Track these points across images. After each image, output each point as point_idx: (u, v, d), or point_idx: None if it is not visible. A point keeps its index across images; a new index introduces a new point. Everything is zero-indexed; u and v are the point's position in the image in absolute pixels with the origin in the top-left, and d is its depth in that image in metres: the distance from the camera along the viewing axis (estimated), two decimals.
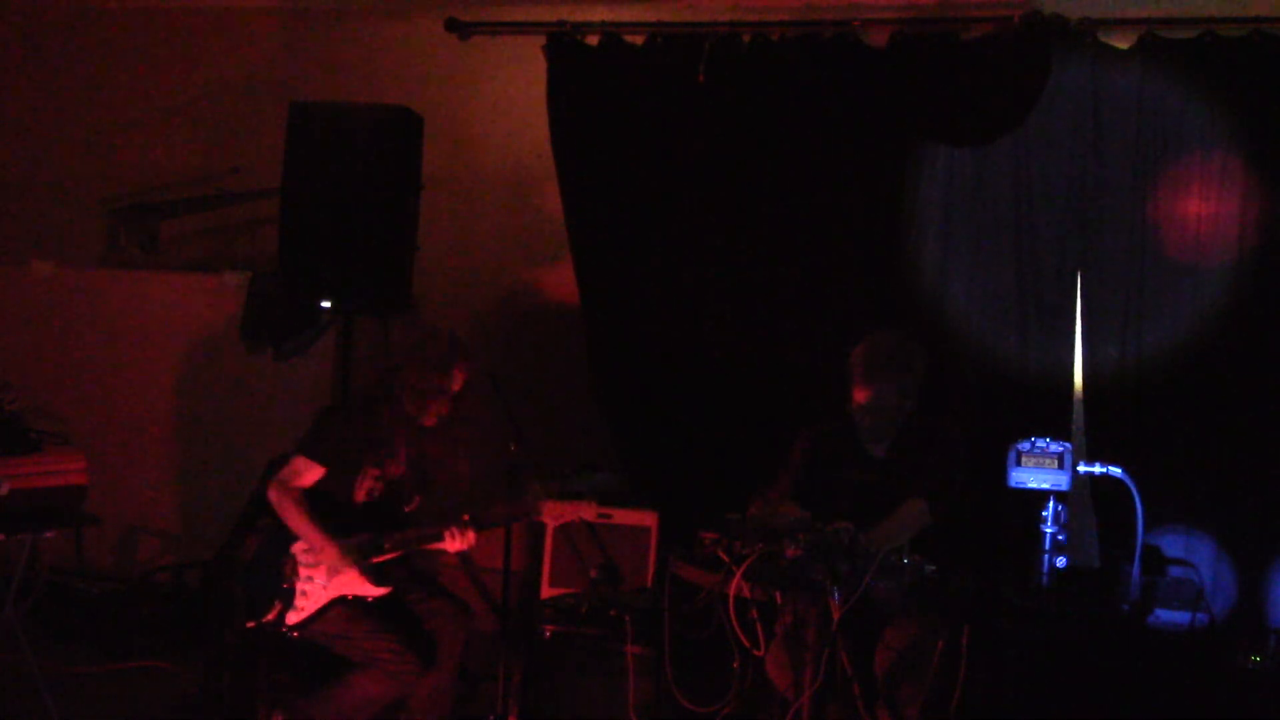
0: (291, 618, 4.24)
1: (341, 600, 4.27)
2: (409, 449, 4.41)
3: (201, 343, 6.19)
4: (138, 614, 5.75)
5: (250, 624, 4.28)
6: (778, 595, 3.96)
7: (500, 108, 6.17)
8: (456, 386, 4.42)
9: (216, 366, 6.16)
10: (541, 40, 5.77)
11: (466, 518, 4.30)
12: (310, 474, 4.30)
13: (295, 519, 4.26)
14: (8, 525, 4.40)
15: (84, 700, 4.96)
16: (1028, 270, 5.43)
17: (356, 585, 4.28)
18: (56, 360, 6.23)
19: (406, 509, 4.47)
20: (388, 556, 4.31)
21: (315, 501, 4.30)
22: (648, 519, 5.43)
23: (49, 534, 4.63)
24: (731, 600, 3.86)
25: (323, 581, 4.27)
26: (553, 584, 5.42)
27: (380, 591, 4.30)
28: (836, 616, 3.78)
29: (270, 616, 4.23)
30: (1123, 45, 5.28)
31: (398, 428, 4.37)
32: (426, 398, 4.37)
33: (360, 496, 4.40)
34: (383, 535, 4.31)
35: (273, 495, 4.29)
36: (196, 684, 5.00)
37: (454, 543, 4.29)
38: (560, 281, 5.99)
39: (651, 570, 5.31)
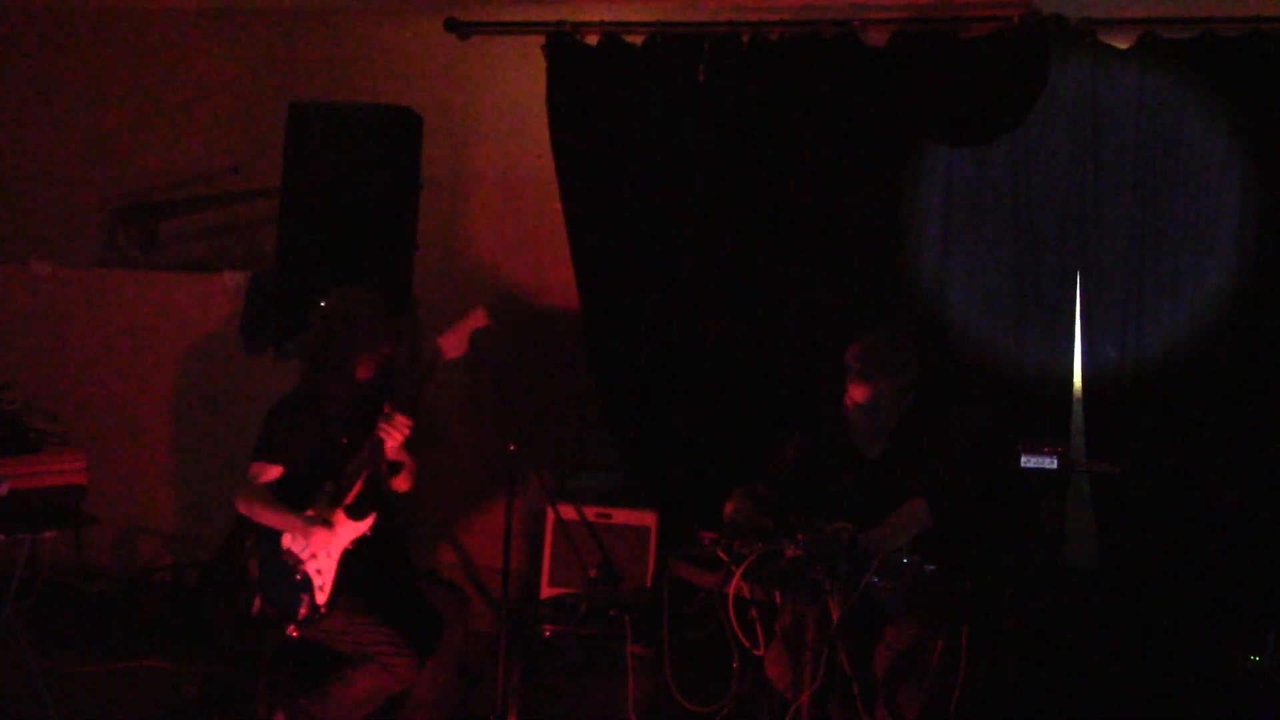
0: (320, 597, 4.23)
1: (348, 557, 4.25)
2: (355, 415, 4.41)
3: (201, 343, 6.19)
4: (138, 614, 5.75)
5: (295, 632, 4.25)
6: (777, 595, 3.96)
7: (500, 108, 6.17)
8: (386, 349, 4.40)
9: (216, 366, 6.16)
10: (541, 40, 5.77)
11: (388, 408, 4.23)
12: (269, 473, 4.31)
13: (265, 515, 4.27)
14: (8, 525, 4.40)
15: (84, 700, 4.96)
16: (1027, 270, 5.44)
17: (349, 531, 4.27)
18: (56, 360, 6.24)
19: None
20: (355, 490, 4.27)
21: (289, 488, 4.31)
22: (648, 519, 5.44)
23: (49, 534, 4.63)
24: (731, 600, 3.86)
25: (323, 548, 4.26)
26: (552, 584, 5.43)
27: (368, 522, 4.27)
28: (836, 616, 3.78)
29: (304, 611, 4.22)
30: (1122, 45, 5.28)
31: (341, 399, 4.37)
32: (359, 359, 4.36)
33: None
34: (338, 476, 4.29)
35: (241, 507, 4.31)
36: (196, 684, 5.00)
37: (393, 435, 4.22)
38: (560, 281, 5.99)
39: (651, 570, 5.32)
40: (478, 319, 4.26)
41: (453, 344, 4.24)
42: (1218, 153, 5.22)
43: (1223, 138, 5.20)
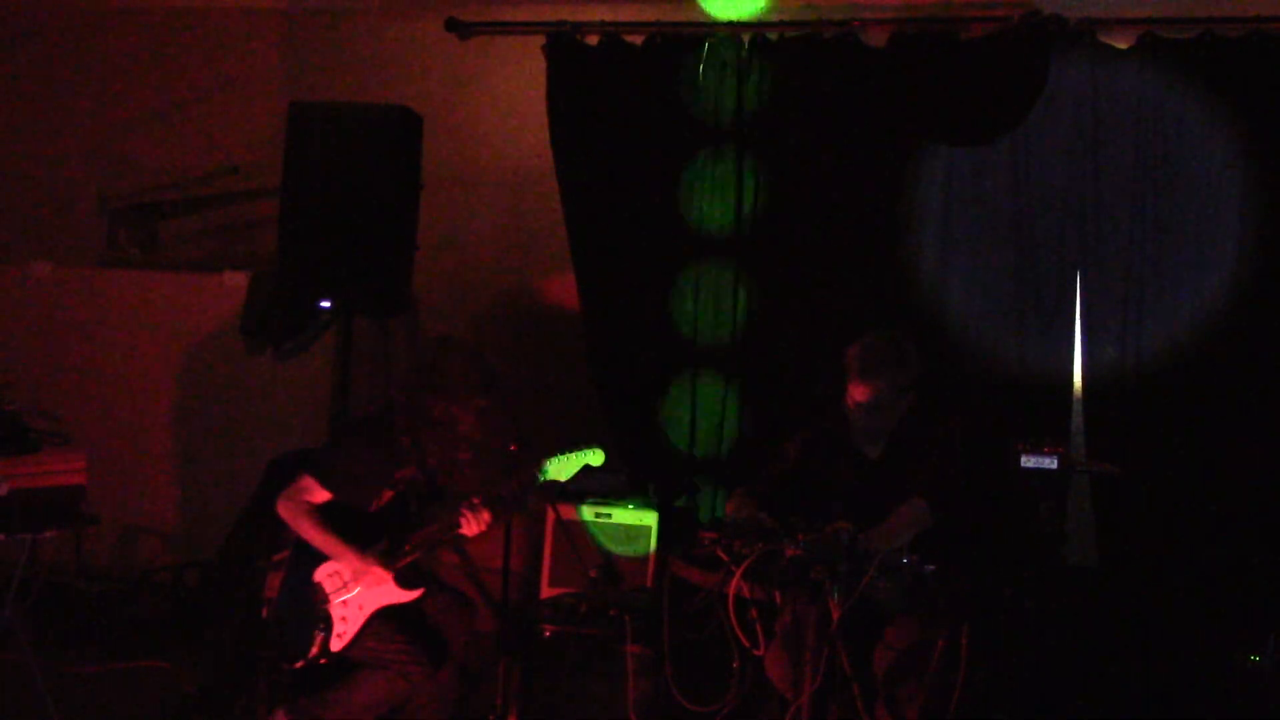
0: (335, 644, 4.20)
1: (381, 613, 4.23)
2: (421, 464, 4.38)
3: (201, 343, 6.19)
4: (138, 614, 5.75)
5: (299, 664, 4.19)
6: (777, 595, 3.96)
7: (500, 107, 6.17)
8: (482, 402, 4.35)
9: (216, 366, 6.16)
10: (541, 40, 5.77)
11: (477, 500, 4.23)
12: (319, 495, 4.24)
13: (310, 532, 4.20)
14: (8, 525, 4.40)
15: (84, 700, 4.95)
16: (1027, 270, 5.44)
17: (391, 594, 4.25)
18: (56, 360, 6.23)
19: (416, 511, 4.41)
20: (411, 558, 4.27)
21: (328, 511, 4.25)
22: (648, 519, 5.43)
23: (49, 534, 4.63)
24: (731, 600, 3.86)
25: (359, 600, 4.23)
26: (553, 584, 5.41)
27: (414, 595, 4.27)
28: (836, 616, 3.78)
29: (314, 651, 4.17)
30: (1122, 45, 5.29)
31: (416, 452, 4.32)
32: (455, 423, 4.32)
33: (374, 509, 4.36)
34: (403, 538, 4.27)
35: (283, 512, 4.23)
36: (196, 684, 5.00)
37: (471, 525, 4.21)
38: (560, 281, 5.99)
39: (651, 570, 5.31)
40: (594, 458, 4.32)
41: (559, 469, 4.29)
42: (1218, 153, 5.22)
43: (1223, 138, 5.20)
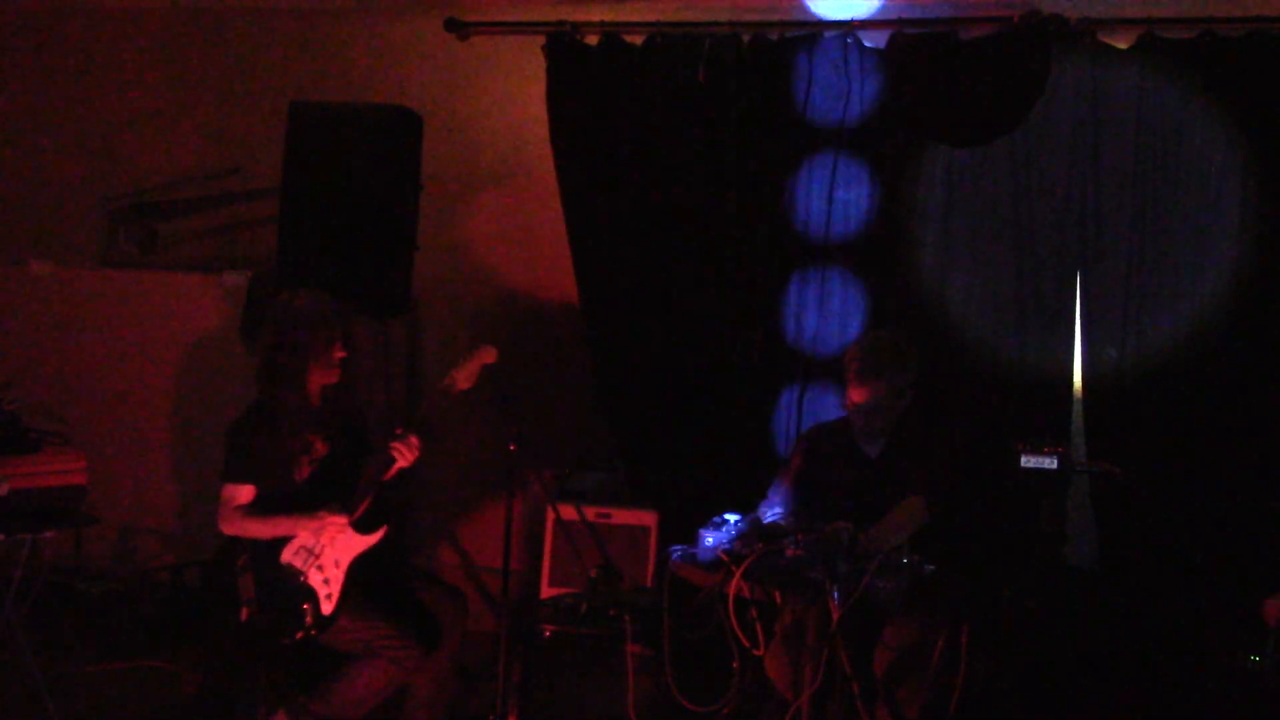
0: (327, 607, 4.23)
1: (356, 564, 4.27)
2: (323, 422, 4.40)
3: (201, 343, 6.19)
4: (137, 614, 5.75)
5: (299, 635, 4.22)
6: (777, 595, 3.96)
7: (500, 107, 6.17)
8: (340, 353, 4.41)
9: (216, 366, 6.16)
10: (541, 40, 5.77)
11: (399, 430, 4.31)
12: (243, 495, 4.29)
13: (259, 528, 4.27)
14: (8, 525, 4.40)
15: (84, 700, 4.96)
16: (1027, 270, 5.44)
17: (358, 542, 4.28)
18: (56, 360, 6.24)
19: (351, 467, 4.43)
20: (366, 503, 4.30)
21: (266, 504, 4.30)
22: (648, 519, 5.44)
23: (49, 534, 4.63)
24: (731, 600, 3.86)
25: (332, 557, 4.26)
26: (553, 584, 5.43)
27: (379, 535, 4.30)
28: (836, 616, 3.78)
29: (309, 620, 4.21)
30: (1122, 45, 5.29)
31: (301, 410, 4.35)
32: (313, 365, 4.36)
33: (302, 477, 4.37)
34: (349, 490, 4.29)
35: (227, 529, 4.30)
36: (196, 684, 5.01)
37: (404, 455, 4.27)
38: (560, 281, 5.98)
39: (651, 570, 5.32)
40: (488, 355, 4.40)
41: (465, 376, 4.36)
42: (1218, 152, 5.22)
43: (1223, 137, 5.20)
